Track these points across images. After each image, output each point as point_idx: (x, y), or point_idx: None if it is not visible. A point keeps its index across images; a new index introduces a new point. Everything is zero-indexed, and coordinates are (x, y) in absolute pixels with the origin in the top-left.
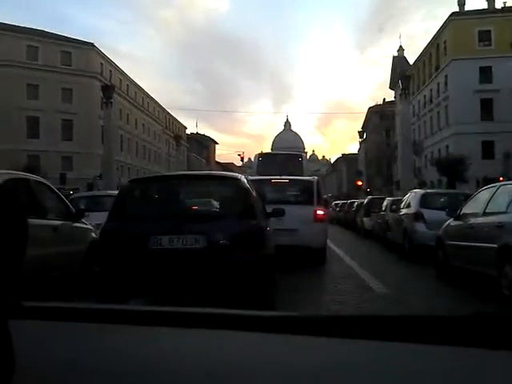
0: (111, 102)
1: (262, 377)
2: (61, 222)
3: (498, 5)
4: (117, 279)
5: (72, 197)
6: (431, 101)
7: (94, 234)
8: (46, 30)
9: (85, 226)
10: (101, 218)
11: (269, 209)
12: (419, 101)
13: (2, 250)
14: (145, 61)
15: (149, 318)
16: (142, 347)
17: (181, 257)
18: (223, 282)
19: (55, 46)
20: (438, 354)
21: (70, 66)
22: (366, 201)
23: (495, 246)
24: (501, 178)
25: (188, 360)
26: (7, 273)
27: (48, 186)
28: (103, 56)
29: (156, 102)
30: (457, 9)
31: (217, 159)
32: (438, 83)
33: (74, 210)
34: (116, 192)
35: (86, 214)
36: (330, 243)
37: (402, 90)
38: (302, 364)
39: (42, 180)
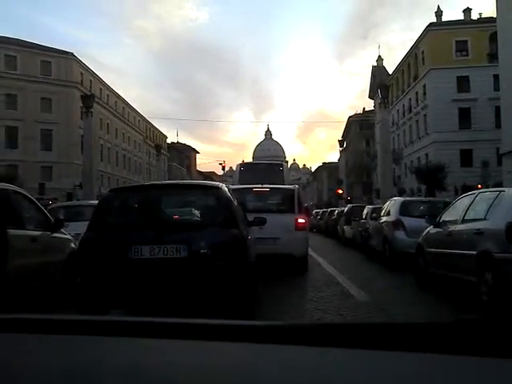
0: (91, 112)
1: None
2: (40, 233)
3: (474, 16)
4: (96, 290)
5: (51, 207)
6: (410, 110)
7: (73, 244)
8: (25, 39)
9: (64, 236)
10: (80, 227)
11: (250, 217)
12: (398, 110)
13: None
14: (125, 70)
15: (130, 329)
16: (123, 358)
17: (162, 266)
18: (205, 292)
19: (34, 55)
20: (422, 361)
21: (49, 75)
22: (346, 209)
23: (474, 252)
24: (479, 186)
25: (172, 371)
26: None
27: (26, 196)
28: (83, 66)
29: (136, 112)
30: (434, 19)
31: (198, 168)
32: (417, 92)
33: (52, 220)
34: (96, 202)
35: (66, 223)
36: (311, 251)
37: (381, 99)
38: (290, 373)
39: (21, 190)
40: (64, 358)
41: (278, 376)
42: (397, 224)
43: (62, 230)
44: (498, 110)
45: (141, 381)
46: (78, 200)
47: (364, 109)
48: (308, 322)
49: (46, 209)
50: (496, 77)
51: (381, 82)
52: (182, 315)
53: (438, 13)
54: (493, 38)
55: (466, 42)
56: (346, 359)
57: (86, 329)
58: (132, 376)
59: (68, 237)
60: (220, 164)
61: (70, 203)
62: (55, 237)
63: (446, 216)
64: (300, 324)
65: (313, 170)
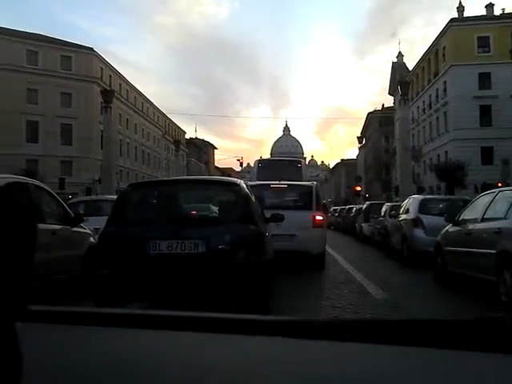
0: (111, 107)
1: (262, 380)
2: (60, 227)
3: (497, 11)
4: (114, 284)
5: (71, 201)
6: (430, 106)
7: (92, 239)
8: (45, 34)
9: (83, 230)
10: (99, 222)
11: (268, 214)
12: (418, 107)
13: (12, 252)
14: (144, 66)
15: (150, 322)
16: (143, 350)
17: (180, 262)
18: (222, 287)
19: (55, 50)
20: (442, 357)
21: (69, 70)
22: (364, 206)
23: (494, 252)
24: (499, 184)
25: (189, 363)
26: (17, 275)
27: (47, 190)
28: (103, 61)
29: (155, 107)
30: (456, 15)
31: (216, 164)
32: (437, 89)
33: (72, 215)
34: (115, 197)
35: (85, 218)
36: (328, 249)
37: (401, 95)
38: (303, 368)
39: (41, 184)
40: (89, 348)
41: (292, 369)
42: (416, 222)
43: (82, 224)
44: None
45: (158, 371)
46: (98, 195)
47: (383, 105)
48: (326, 318)
49: (65, 203)
50: None
51: (401, 78)
52: (199, 309)
53: (460, 8)
54: None
55: (488, 38)
56: (366, 354)
57: (106, 321)
58: (150, 365)
59: (87, 231)
60: (238, 160)
61: (89, 198)
62: (75, 231)
63: (466, 214)
64: (318, 320)
65: (331, 166)
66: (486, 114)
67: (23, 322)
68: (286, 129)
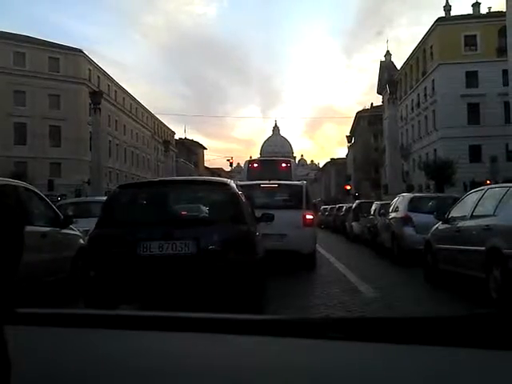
0: (99, 108)
1: (256, 379)
2: (49, 229)
3: (484, 10)
4: (105, 286)
5: (60, 203)
6: (419, 105)
7: (82, 241)
8: (33, 36)
9: (73, 232)
10: (89, 224)
11: (258, 213)
12: (407, 105)
13: (0, 254)
14: (133, 67)
15: (141, 323)
16: (135, 351)
17: (171, 263)
18: (213, 288)
19: (43, 52)
20: (435, 354)
21: (57, 72)
22: (354, 205)
23: (483, 248)
24: (488, 182)
25: (180, 363)
26: (5, 278)
27: (36, 192)
28: (91, 62)
29: (144, 108)
30: (443, 14)
31: (206, 164)
32: (425, 88)
33: (62, 217)
34: (104, 198)
35: (75, 220)
36: (319, 248)
37: (389, 94)
38: (297, 365)
39: (30, 186)
40: (78, 350)
41: (289, 368)
42: (405, 220)
43: (71, 226)
44: (507, 105)
45: (149, 371)
46: (87, 196)
47: (372, 104)
48: (318, 316)
49: (55, 205)
50: (505, 72)
51: (389, 77)
52: (191, 310)
53: (447, 7)
54: (502, 32)
55: (475, 36)
56: (361, 352)
57: (96, 322)
58: (141, 367)
59: (77, 233)
60: (228, 160)
61: (78, 199)
62: (64, 233)
63: (455, 212)
64: (309, 318)
65: (321, 165)
66: (473, 113)
67: (12, 325)
68: (276, 128)
